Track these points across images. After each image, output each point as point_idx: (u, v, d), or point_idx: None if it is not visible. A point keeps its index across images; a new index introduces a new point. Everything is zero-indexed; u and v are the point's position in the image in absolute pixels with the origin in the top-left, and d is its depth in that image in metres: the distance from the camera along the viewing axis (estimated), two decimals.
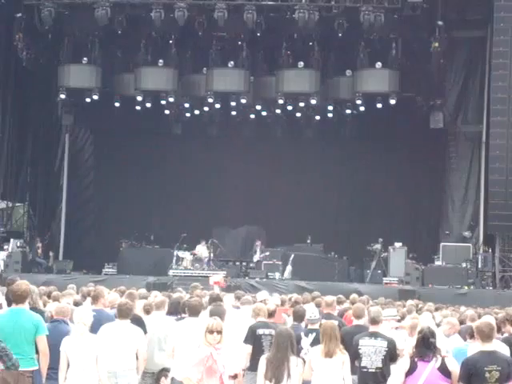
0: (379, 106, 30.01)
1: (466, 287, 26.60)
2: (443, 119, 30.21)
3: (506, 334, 10.69)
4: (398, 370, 8.61)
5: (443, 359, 8.46)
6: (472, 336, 9.90)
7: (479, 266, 27.77)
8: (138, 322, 11.06)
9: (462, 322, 12.11)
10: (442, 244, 28.15)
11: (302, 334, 11.20)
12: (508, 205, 27.02)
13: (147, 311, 11.95)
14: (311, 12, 27.43)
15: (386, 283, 27.75)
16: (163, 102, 30.86)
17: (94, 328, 10.09)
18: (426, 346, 8.44)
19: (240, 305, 13.52)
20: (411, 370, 8.42)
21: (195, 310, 10.79)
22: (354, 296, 15.55)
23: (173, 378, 10.63)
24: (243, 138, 32.20)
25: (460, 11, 28.65)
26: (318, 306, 13.86)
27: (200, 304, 11.11)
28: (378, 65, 29.56)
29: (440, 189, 30.63)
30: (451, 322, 11.65)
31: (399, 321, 12.25)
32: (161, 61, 30.08)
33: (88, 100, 30.46)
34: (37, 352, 9.25)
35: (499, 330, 10.37)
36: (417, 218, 30.71)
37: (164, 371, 10.87)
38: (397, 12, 28.07)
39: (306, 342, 10.94)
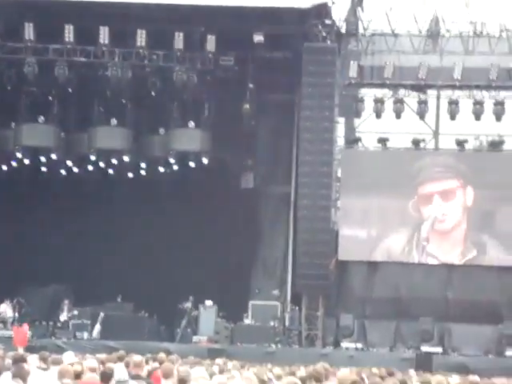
0: (192, 164, 30.33)
1: (274, 345, 27.00)
2: (254, 179, 30.86)
3: None
4: None
5: None
6: None
7: (286, 324, 28.31)
8: None
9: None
10: (251, 302, 28.50)
11: None
12: (315, 264, 27.80)
13: None
14: (124, 70, 27.53)
15: (196, 342, 27.73)
16: None
17: None
18: None
19: (51, 365, 13.03)
20: None
21: None
22: (162, 355, 15.39)
23: None
24: (53, 194, 31.51)
25: (270, 75, 29.49)
26: (127, 366, 13.62)
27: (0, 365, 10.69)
28: (191, 124, 29.94)
29: (250, 248, 31.07)
30: (249, 378, 11.74)
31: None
32: None
33: None
34: None
35: None
36: (227, 277, 30.92)
37: None
38: (209, 73, 28.61)
39: None
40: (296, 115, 29.64)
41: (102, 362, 13.68)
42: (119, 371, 11.45)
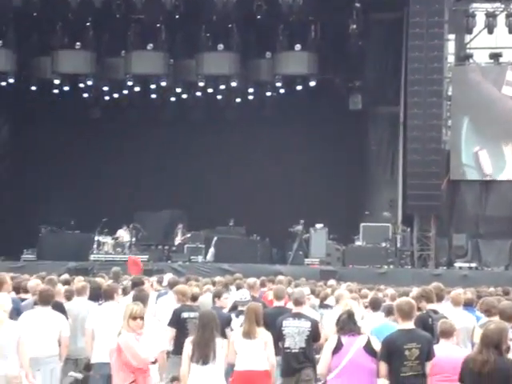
0: (299, 88, 30.19)
1: (386, 266, 27.00)
2: (362, 101, 30.53)
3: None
4: (325, 348, 8.72)
5: (369, 338, 8.58)
6: (391, 314, 10.06)
7: (398, 245, 28.21)
8: (59, 308, 10.93)
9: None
10: (362, 224, 28.44)
11: (233, 315, 11.28)
12: (425, 185, 27.49)
13: (68, 297, 11.82)
14: None
15: (308, 264, 27.98)
16: (81, 85, 30.49)
17: None
18: (352, 321, 8.57)
19: (168, 287, 13.39)
20: (337, 349, 8.52)
21: (109, 293, 10.79)
22: (278, 277, 15.68)
23: (93, 364, 10.58)
24: (163, 121, 31.99)
25: None
26: (240, 287, 13.93)
27: (113, 287, 11.07)
28: (297, 47, 29.72)
29: (360, 170, 30.96)
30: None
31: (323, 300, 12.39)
32: (78, 43, 29.68)
33: (3, 84, 29.89)
34: None
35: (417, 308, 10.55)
36: (337, 199, 30.96)
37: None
38: None
39: (236, 323, 11.00)
40: (404, 33, 29.01)
41: (220, 283, 14.03)
42: (241, 292, 11.75)
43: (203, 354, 8.90)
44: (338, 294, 12.16)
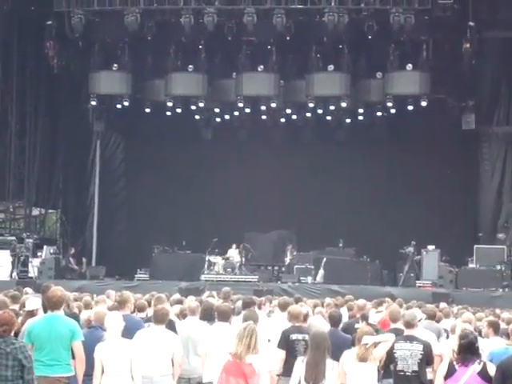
0: (410, 108, 29.89)
1: (501, 290, 26.34)
2: (475, 120, 30.00)
3: None
4: (437, 373, 8.56)
5: (484, 364, 8.37)
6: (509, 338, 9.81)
7: None
8: (171, 327, 11.04)
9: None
10: (475, 246, 27.88)
11: None
12: None
13: (183, 316, 11.95)
14: (340, 15, 27.34)
15: (420, 286, 27.55)
16: (193, 107, 30.97)
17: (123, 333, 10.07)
18: (470, 351, 8.35)
19: (278, 308, 13.35)
20: (450, 374, 8.34)
21: (225, 315, 10.82)
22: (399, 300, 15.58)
23: (204, 383, 10.63)
24: (273, 142, 32.14)
25: (491, 11, 28.42)
26: (350, 309, 13.83)
27: (230, 309, 11.12)
28: (409, 67, 29.44)
29: (473, 191, 30.40)
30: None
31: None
32: (191, 66, 30.17)
33: (119, 106, 30.66)
34: (73, 358, 9.26)
35: None
36: (450, 221, 30.45)
37: None
38: (427, 13, 27.90)
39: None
40: None
41: (330, 305, 13.94)
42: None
43: (315, 375, 8.87)
44: (453, 324, 11.91)
